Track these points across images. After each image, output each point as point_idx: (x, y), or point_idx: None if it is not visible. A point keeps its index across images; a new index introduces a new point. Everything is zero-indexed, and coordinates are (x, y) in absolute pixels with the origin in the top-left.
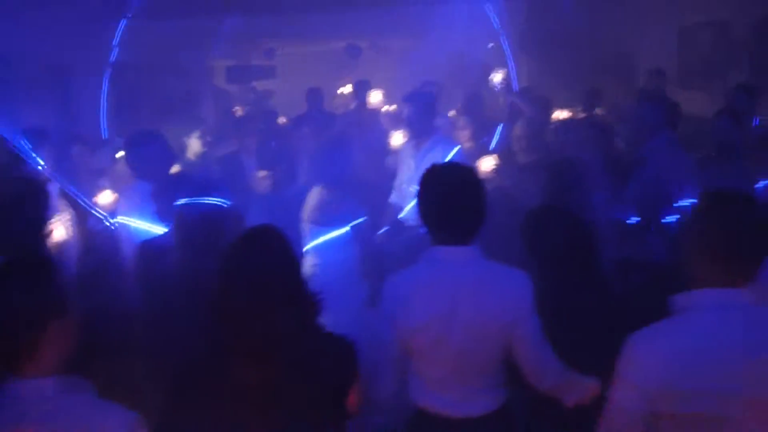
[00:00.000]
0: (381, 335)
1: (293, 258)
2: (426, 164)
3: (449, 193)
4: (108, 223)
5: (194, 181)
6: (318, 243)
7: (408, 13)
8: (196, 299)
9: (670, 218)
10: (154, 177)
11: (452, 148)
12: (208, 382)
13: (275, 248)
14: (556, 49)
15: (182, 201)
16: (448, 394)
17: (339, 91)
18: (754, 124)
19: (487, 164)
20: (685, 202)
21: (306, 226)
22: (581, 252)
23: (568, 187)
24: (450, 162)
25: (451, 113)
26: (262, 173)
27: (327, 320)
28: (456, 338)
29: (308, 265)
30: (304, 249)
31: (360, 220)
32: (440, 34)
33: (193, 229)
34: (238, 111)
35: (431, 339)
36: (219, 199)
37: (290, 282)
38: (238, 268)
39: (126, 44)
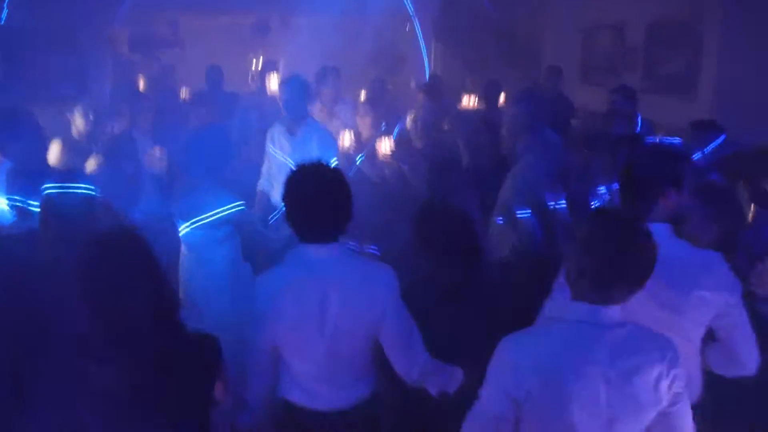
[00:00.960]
0: (250, 335)
1: (149, 258)
2: (302, 152)
3: (312, 193)
4: None
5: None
6: (190, 239)
7: None
8: (63, 293)
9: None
10: (19, 159)
11: (328, 139)
12: (65, 382)
13: (129, 249)
14: (466, 38)
15: (50, 188)
16: (318, 389)
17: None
18: (638, 125)
19: (384, 147)
20: (551, 203)
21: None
22: (469, 247)
23: (450, 185)
24: (314, 162)
25: (362, 95)
26: (157, 151)
27: (212, 316)
28: (326, 336)
29: (185, 262)
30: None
31: (231, 209)
32: (354, 13)
33: (64, 219)
34: (141, 81)
35: (301, 337)
36: (88, 187)
37: (145, 282)
38: (91, 271)
39: (16, 7)
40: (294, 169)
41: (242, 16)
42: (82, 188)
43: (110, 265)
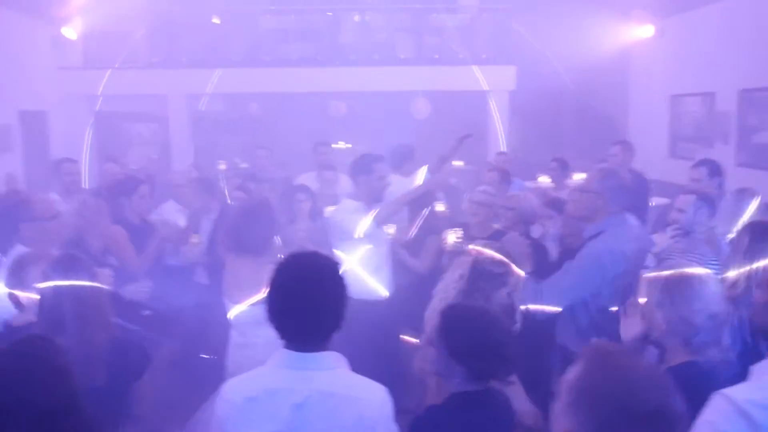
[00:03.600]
0: None
1: (60, 377)
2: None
3: (294, 291)
4: None
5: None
6: (241, 320)
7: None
8: None
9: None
10: (31, 243)
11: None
12: None
13: (32, 365)
14: (544, 111)
15: (50, 283)
16: None
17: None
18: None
19: (451, 237)
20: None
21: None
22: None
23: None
24: (308, 253)
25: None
26: (194, 238)
27: None
28: None
29: (234, 343)
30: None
31: None
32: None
33: (56, 314)
34: (222, 164)
35: None
36: (89, 281)
37: (52, 404)
38: None
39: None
40: (283, 260)
41: (330, 96)
42: (83, 282)
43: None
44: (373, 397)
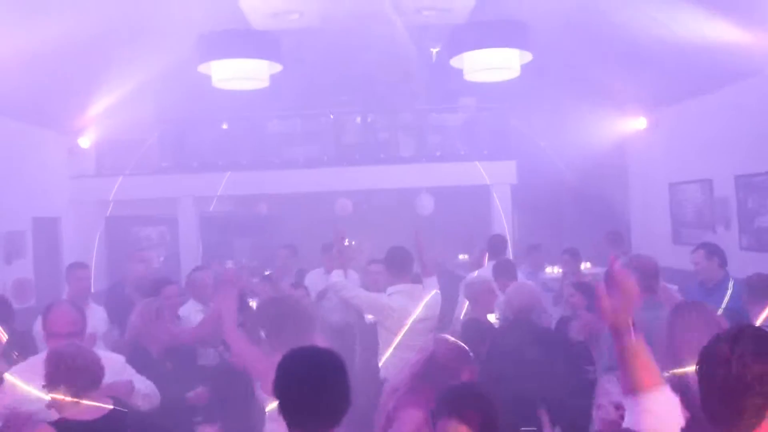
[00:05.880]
0: None
1: None
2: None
3: (296, 384)
4: None
5: None
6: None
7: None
8: None
9: None
10: None
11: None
12: None
13: None
14: (545, 202)
15: None
16: None
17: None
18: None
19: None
20: None
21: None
22: None
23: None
24: (307, 348)
25: None
26: None
27: None
28: None
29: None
30: None
31: None
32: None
33: None
34: (228, 264)
35: None
36: None
37: None
38: None
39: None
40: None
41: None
42: None
43: None
44: None
